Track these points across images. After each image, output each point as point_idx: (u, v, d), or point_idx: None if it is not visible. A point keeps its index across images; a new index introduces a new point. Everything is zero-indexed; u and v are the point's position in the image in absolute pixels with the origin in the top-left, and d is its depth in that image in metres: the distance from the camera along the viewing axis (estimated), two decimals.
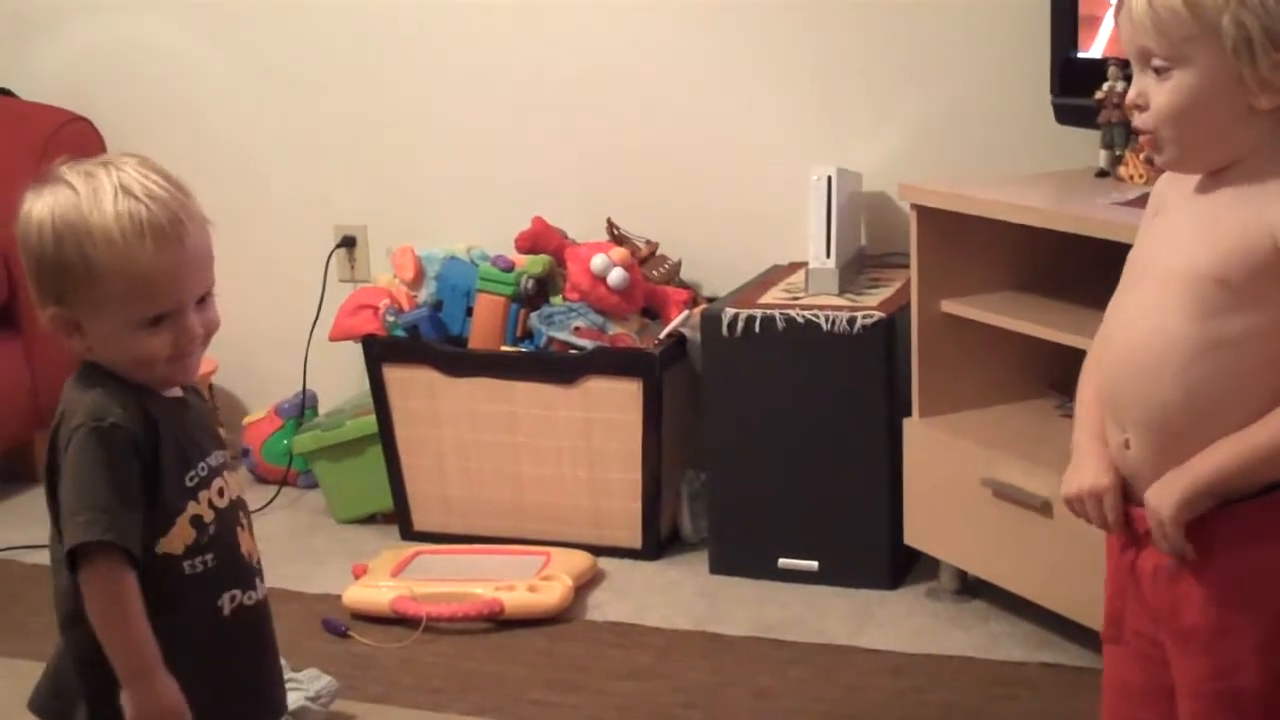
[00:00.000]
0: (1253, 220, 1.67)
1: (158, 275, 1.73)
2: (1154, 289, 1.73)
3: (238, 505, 1.87)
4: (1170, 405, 1.71)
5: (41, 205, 1.75)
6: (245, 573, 1.86)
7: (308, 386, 3.88)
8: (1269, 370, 1.67)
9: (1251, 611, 1.70)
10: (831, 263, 3.27)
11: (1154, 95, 1.69)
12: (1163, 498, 1.72)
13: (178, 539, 1.78)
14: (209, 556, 1.80)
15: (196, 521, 1.79)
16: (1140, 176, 2.93)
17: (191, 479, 1.80)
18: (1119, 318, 1.80)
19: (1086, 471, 1.82)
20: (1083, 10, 3.02)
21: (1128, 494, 1.79)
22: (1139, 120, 1.73)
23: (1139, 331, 1.73)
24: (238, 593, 1.84)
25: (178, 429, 1.80)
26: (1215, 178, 1.72)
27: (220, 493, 1.83)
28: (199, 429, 1.85)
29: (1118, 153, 2.94)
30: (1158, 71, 1.68)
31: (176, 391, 1.84)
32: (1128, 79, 1.76)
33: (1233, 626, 1.71)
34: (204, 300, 1.79)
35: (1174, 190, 1.79)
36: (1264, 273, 1.66)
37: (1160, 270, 1.73)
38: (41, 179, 1.77)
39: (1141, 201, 2.75)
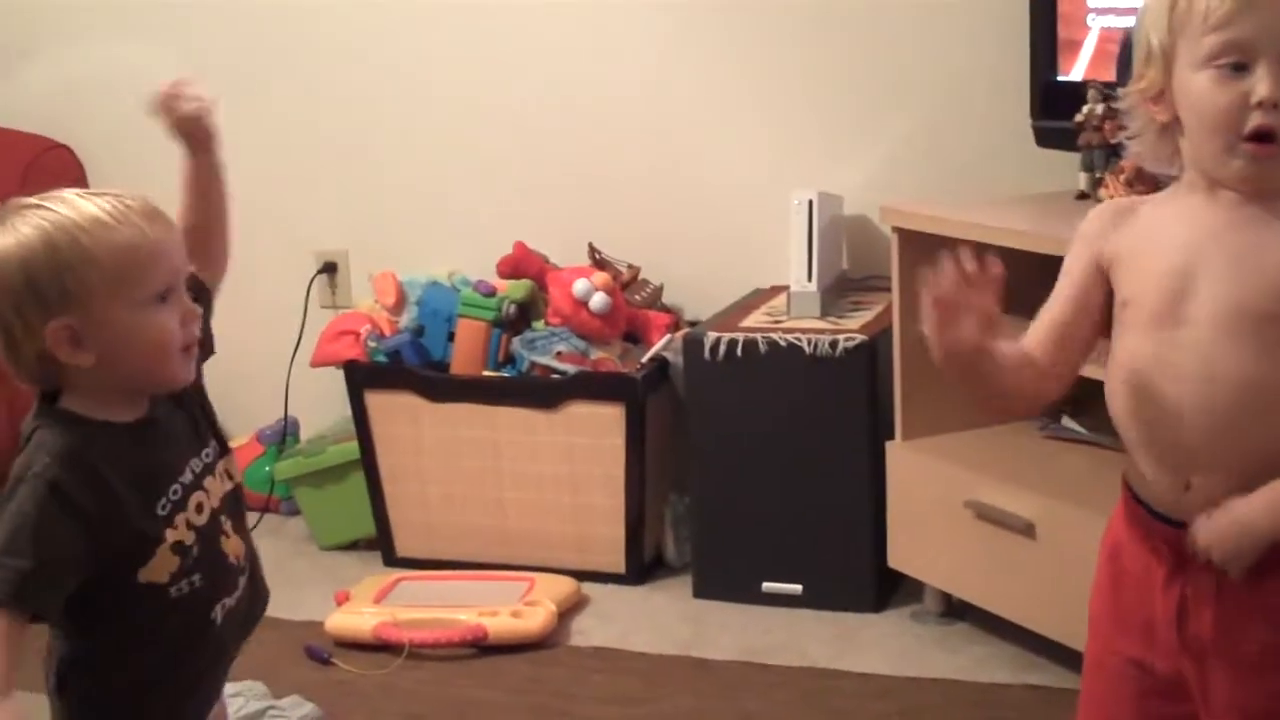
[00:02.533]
0: None
1: (155, 248, 1.74)
2: (1201, 335, 1.64)
3: (219, 512, 1.83)
4: (1246, 449, 1.64)
5: (8, 238, 1.72)
6: (233, 578, 1.85)
7: (289, 413, 3.86)
8: None
9: None
10: (813, 286, 3.27)
11: None
12: (1229, 559, 1.65)
13: (160, 569, 1.76)
14: (195, 577, 1.78)
15: (179, 548, 1.77)
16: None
17: (164, 506, 1.77)
18: (1164, 369, 1.67)
19: None
20: (1062, 34, 3.03)
21: (1173, 523, 1.71)
22: (1276, 120, 1.57)
23: (1201, 381, 1.64)
24: (228, 600, 1.84)
25: (137, 461, 1.76)
26: (1244, 209, 1.63)
27: (199, 508, 1.80)
28: (170, 444, 1.81)
29: (1098, 175, 2.94)
30: None
31: (140, 411, 1.79)
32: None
33: None
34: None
35: (1148, 223, 1.71)
36: None
37: (1203, 314, 1.64)
38: None
39: None
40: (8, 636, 1.65)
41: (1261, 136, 1.58)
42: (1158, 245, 1.69)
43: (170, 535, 1.76)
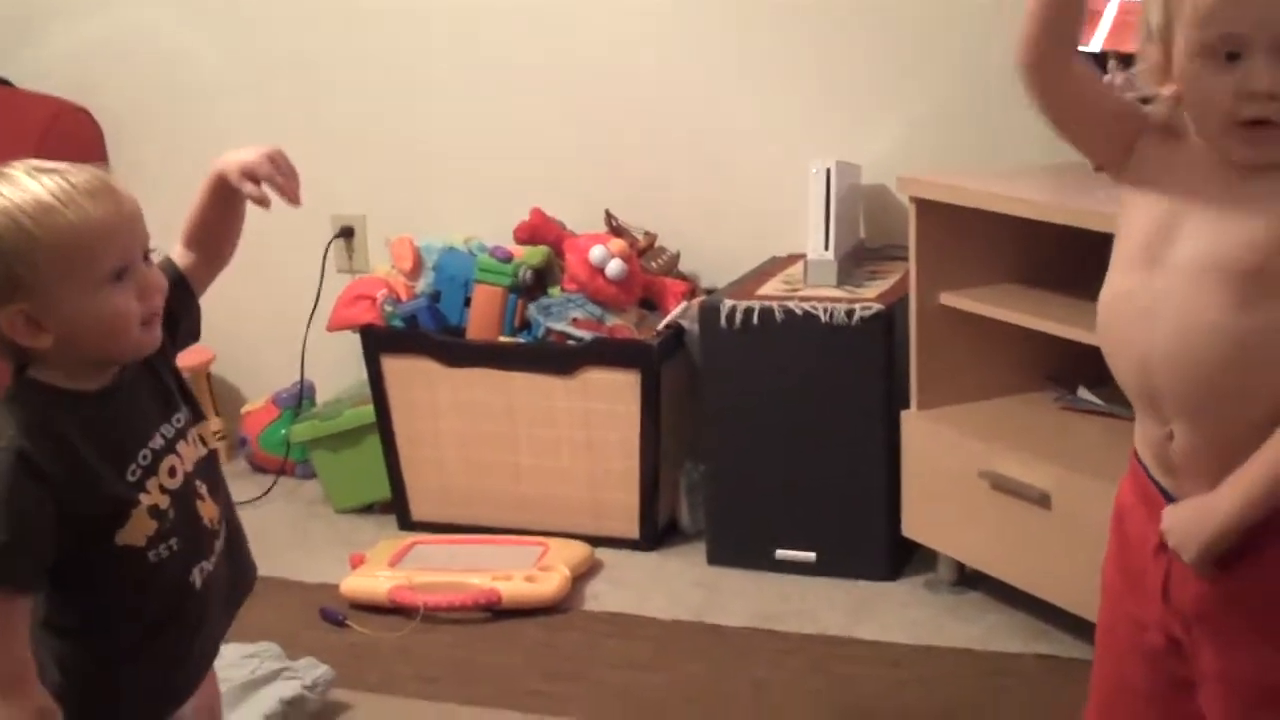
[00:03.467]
0: None
1: (102, 228, 1.70)
2: (1179, 281, 1.66)
3: (194, 476, 1.83)
4: (1219, 397, 1.66)
5: None
6: (209, 541, 1.85)
7: (306, 376, 3.88)
8: None
9: None
10: (830, 255, 3.27)
11: None
12: (1186, 544, 1.69)
13: (137, 531, 1.76)
14: (173, 541, 1.79)
15: (154, 511, 1.77)
16: None
17: (133, 472, 1.76)
18: (1139, 309, 1.71)
19: None
20: None
21: (1167, 495, 1.75)
22: (1270, 110, 1.59)
23: (1174, 326, 1.67)
24: (205, 564, 1.84)
25: (104, 428, 1.76)
26: (1240, 169, 1.64)
27: (172, 472, 1.80)
28: (138, 410, 1.81)
29: None
30: None
31: (106, 380, 1.78)
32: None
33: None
34: (146, 258, 1.77)
35: (1169, 171, 1.72)
36: None
37: (1180, 260, 1.67)
38: None
39: None
40: (20, 614, 1.69)
41: (1256, 123, 1.60)
42: (1155, 186, 1.72)
43: (144, 500, 1.76)
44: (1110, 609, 1.86)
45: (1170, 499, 1.74)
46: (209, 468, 1.88)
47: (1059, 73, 1.80)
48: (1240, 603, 1.70)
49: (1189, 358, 1.66)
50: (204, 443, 1.88)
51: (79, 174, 1.73)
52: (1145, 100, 1.74)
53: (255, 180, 1.94)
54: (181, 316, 1.90)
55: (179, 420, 1.84)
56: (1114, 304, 1.75)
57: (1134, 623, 1.81)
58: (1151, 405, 1.73)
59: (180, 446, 1.83)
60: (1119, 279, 1.74)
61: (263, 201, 1.94)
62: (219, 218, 1.95)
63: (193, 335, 1.95)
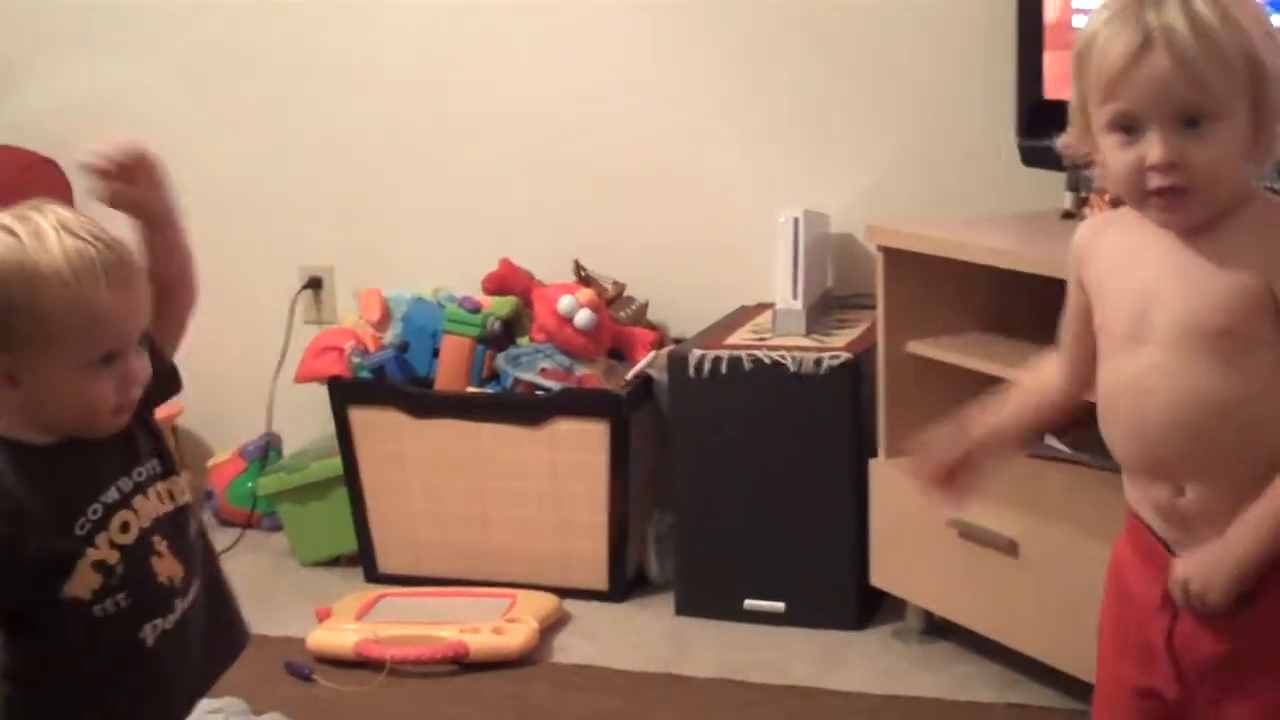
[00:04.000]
0: (1249, 271, 1.65)
1: (110, 312, 1.70)
2: (1161, 352, 1.70)
3: (151, 531, 1.79)
4: (1222, 456, 1.70)
5: None
6: (165, 599, 1.81)
7: (273, 428, 3.86)
8: None
9: None
10: (798, 304, 3.27)
11: (1194, 153, 1.63)
12: (1210, 585, 1.70)
13: (82, 584, 1.73)
14: (120, 596, 1.76)
15: (100, 566, 1.74)
16: None
17: (81, 526, 1.73)
18: (1131, 386, 1.73)
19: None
20: (1048, 54, 3.03)
21: (1170, 549, 1.76)
22: (1170, 179, 1.64)
23: (1166, 398, 1.70)
24: (159, 621, 1.80)
25: (50, 481, 1.73)
26: (1193, 230, 1.69)
27: (124, 527, 1.76)
28: (91, 463, 1.77)
29: (1083, 194, 2.95)
30: (1191, 124, 1.63)
31: (56, 437, 1.76)
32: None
33: None
34: (140, 341, 1.75)
35: (1114, 247, 1.77)
36: (1264, 316, 1.66)
37: (1158, 331, 1.70)
38: None
39: None
40: None
41: (1163, 190, 1.66)
42: (1124, 267, 1.76)
43: (91, 554, 1.73)
44: (1105, 674, 1.86)
45: (1173, 553, 1.75)
46: (173, 524, 1.84)
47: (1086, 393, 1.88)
48: (1255, 640, 1.71)
49: (1185, 425, 1.70)
50: (171, 498, 1.85)
51: (105, 246, 1.70)
52: (1086, 162, 1.77)
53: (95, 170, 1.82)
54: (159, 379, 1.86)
55: (140, 474, 1.81)
56: (1109, 389, 1.78)
57: (1131, 691, 1.81)
58: (1158, 473, 1.75)
59: (137, 501, 1.79)
60: (1108, 365, 1.78)
61: (100, 171, 1.81)
62: (155, 265, 1.86)
63: (173, 390, 1.91)
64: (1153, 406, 1.71)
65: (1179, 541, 1.75)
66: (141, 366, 1.76)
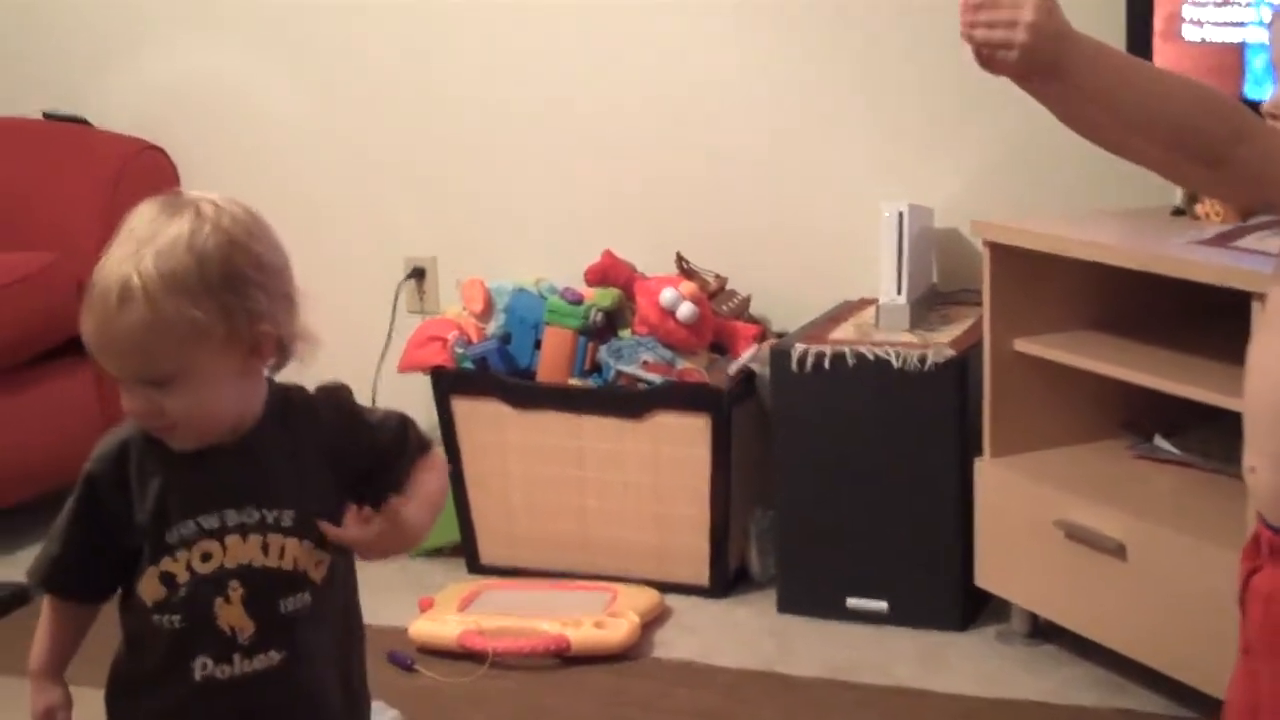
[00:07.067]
0: None
1: (104, 343, 1.70)
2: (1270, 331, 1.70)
3: (232, 575, 1.74)
4: None
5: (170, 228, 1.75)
6: (222, 645, 1.75)
7: None
8: None
9: None
10: (903, 299, 3.24)
11: None
12: None
13: (147, 590, 1.75)
14: (176, 618, 1.74)
15: (166, 578, 1.74)
16: (1218, 215, 2.89)
17: (172, 535, 1.73)
18: (1251, 362, 1.73)
19: None
20: (1159, 45, 2.98)
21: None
22: None
23: (1271, 377, 1.68)
24: (209, 662, 1.75)
25: (165, 484, 1.74)
26: None
27: (206, 557, 1.74)
28: (205, 484, 1.75)
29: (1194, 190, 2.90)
30: None
31: (201, 445, 1.75)
32: None
33: None
34: (165, 386, 1.70)
35: None
36: None
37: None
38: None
39: (1219, 240, 2.73)
40: (49, 618, 1.82)
41: None
42: None
43: (165, 563, 1.74)
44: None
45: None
46: (265, 581, 1.76)
47: (1234, 178, 1.67)
48: None
49: (1274, 404, 1.67)
50: (280, 557, 1.76)
51: (132, 279, 1.67)
52: None
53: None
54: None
55: (254, 516, 1.76)
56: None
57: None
58: (1248, 440, 1.71)
59: (230, 540, 1.75)
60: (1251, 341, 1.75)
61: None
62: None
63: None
64: (1255, 383, 1.70)
65: None
66: (141, 406, 1.72)
